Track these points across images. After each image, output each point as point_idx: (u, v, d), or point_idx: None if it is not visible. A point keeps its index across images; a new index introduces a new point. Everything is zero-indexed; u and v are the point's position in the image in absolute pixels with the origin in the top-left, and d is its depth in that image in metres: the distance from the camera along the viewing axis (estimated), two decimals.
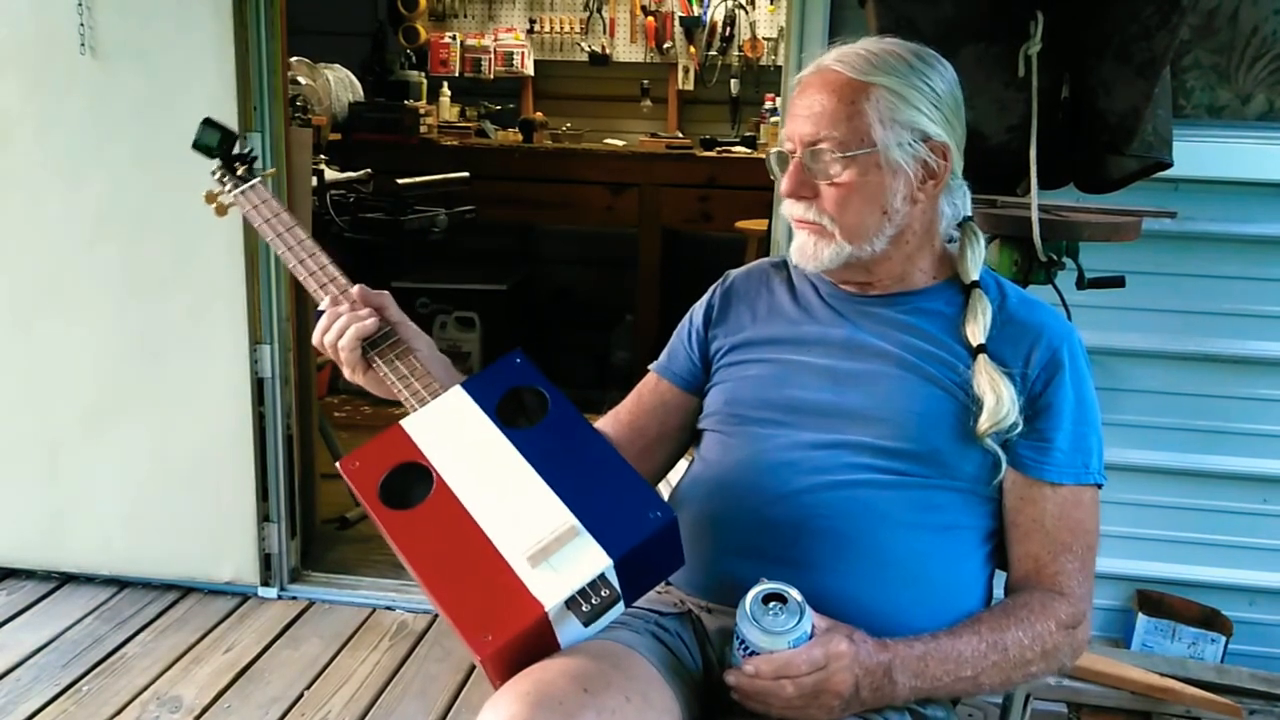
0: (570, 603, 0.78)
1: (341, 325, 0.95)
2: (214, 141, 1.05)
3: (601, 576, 0.78)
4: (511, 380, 0.89)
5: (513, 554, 0.79)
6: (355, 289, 0.98)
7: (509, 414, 0.88)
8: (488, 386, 0.89)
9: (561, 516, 0.81)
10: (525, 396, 0.90)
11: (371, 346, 0.95)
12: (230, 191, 1.05)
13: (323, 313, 0.97)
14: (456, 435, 0.87)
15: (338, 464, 0.87)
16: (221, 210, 1.07)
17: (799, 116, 0.94)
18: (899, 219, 0.94)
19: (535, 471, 0.84)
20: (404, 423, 0.88)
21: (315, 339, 0.97)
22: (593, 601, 0.78)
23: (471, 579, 0.79)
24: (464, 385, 0.90)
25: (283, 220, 1.03)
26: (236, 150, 1.07)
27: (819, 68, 0.95)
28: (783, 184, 0.95)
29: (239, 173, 1.06)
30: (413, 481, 0.85)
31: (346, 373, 0.96)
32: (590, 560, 0.78)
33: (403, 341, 0.96)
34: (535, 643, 0.79)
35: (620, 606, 0.81)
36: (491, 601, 0.77)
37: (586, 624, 0.79)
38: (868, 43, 0.95)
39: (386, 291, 1.00)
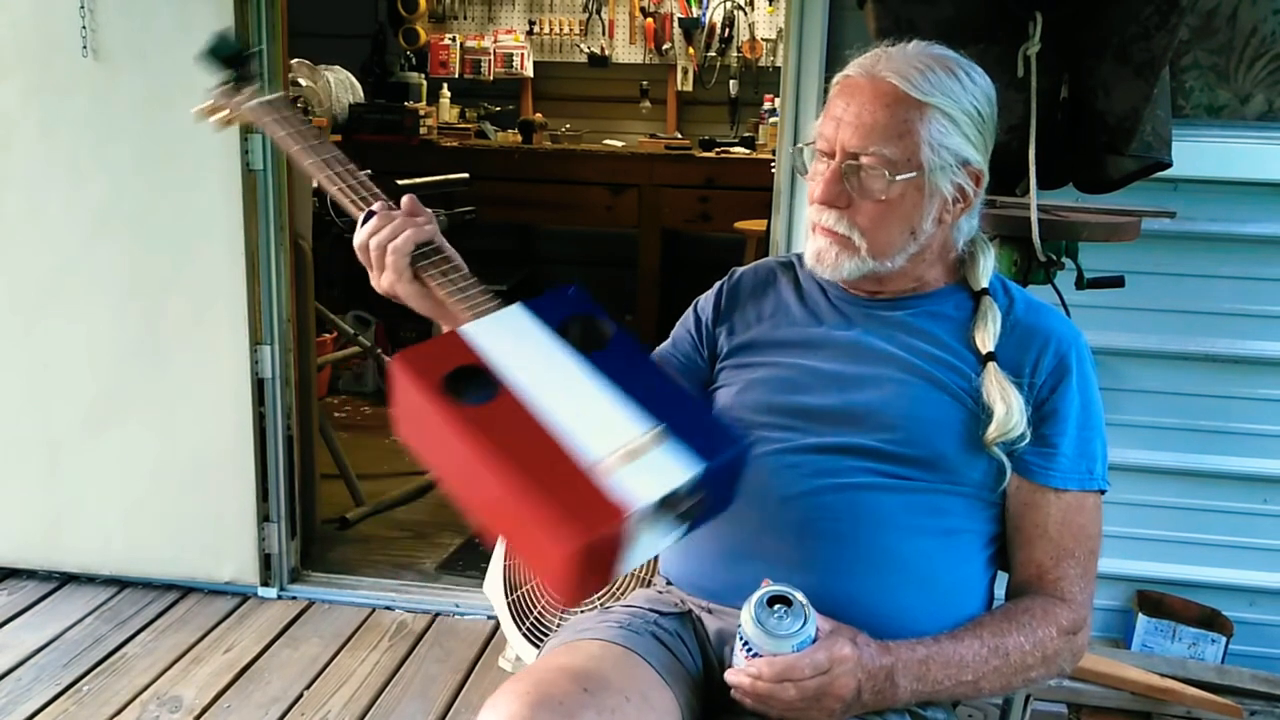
0: (662, 504, 0.71)
1: (397, 226, 0.89)
2: (228, 51, 1.01)
3: (694, 480, 0.73)
4: (570, 308, 0.84)
5: (594, 456, 0.72)
6: (405, 199, 0.92)
7: (570, 338, 0.82)
8: (547, 309, 0.83)
9: (645, 424, 0.75)
10: (584, 325, 0.84)
11: (421, 258, 0.89)
12: (249, 102, 0.99)
13: (372, 214, 0.90)
14: (521, 346, 0.80)
15: (390, 359, 0.78)
16: (226, 121, 1.02)
17: (845, 123, 0.90)
18: (923, 239, 0.94)
19: (610, 385, 0.78)
20: (461, 330, 0.81)
21: (359, 239, 0.90)
22: (685, 505, 0.72)
23: (549, 478, 0.71)
24: (523, 304, 0.84)
25: (312, 131, 0.98)
26: (242, 72, 1.02)
27: (872, 75, 0.90)
28: (816, 190, 0.93)
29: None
30: (472, 386, 0.76)
31: (386, 280, 0.90)
32: (680, 465, 0.73)
33: (451, 259, 0.91)
34: (613, 552, 0.72)
35: (683, 529, 0.76)
36: (574, 499, 0.70)
37: (678, 525, 0.74)
38: (918, 51, 0.92)
39: (430, 211, 0.95)
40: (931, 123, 0.89)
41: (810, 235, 0.96)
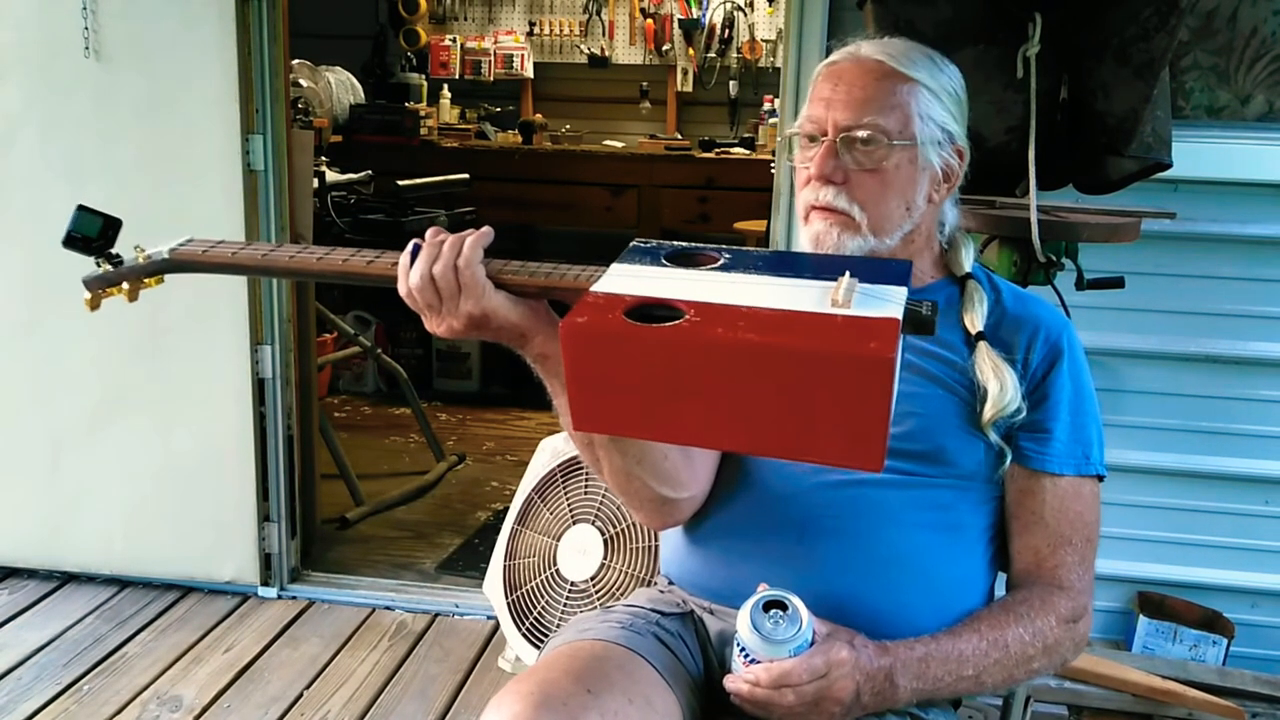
0: (909, 314, 0.68)
1: (455, 241, 0.79)
2: (94, 230, 0.88)
3: (914, 299, 0.70)
4: (661, 251, 0.78)
5: (819, 308, 0.67)
6: (429, 231, 0.83)
7: (689, 265, 0.76)
8: (645, 255, 0.77)
9: (829, 281, 0.70)
10: (692, 255, 0.78)
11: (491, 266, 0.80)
12: (157, 257, 0.89)
13: (418, 248, 0.80)
14: (660, 279, 0.73)
15: (562, 324, 0.68)
16: (132, 294, 0.90)
17: (836, 102, 0.91)
18: (916, 216, 0.94)
19: (765, 274, 0.73)
20: (595, 288, 0.72)
21: (418, 277, 0.79)
22: (922, 313, 0.69)
23: (804, 332, 0.65)
24: (619, 260, 0.77)
25: (261, 245, 0.90)
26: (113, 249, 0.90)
27: (855, 57, 0.93)
28: (812, 167, 0.92)
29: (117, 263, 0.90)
30: (653, 317, 0.69)
31: (468, 304, 0.79)
32: (891, 292, 0.69)
33: (504, 260, 0.81)
34: (895, 371, 0.67)
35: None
36: (842, 334, 0.65)
37: (931, 330, 0.70)
38: (894, 39, 0.95)
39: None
40: (919, 95, 0.91)
41: (805, 222, 0.95)
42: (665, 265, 0.75)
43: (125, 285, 0.91)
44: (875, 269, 0.73)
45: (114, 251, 0.91)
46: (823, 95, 0.93)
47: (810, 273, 0.73)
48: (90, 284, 0.91)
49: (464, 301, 0.79)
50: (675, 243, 0.79)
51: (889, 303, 0.68)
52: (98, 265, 0.90)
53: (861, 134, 0.90)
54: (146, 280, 0.93)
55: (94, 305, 0.91)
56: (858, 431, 0.65)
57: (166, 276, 0.96)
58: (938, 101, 0.92)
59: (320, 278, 0.87)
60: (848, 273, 0.70)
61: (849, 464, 0.67)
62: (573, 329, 0.67)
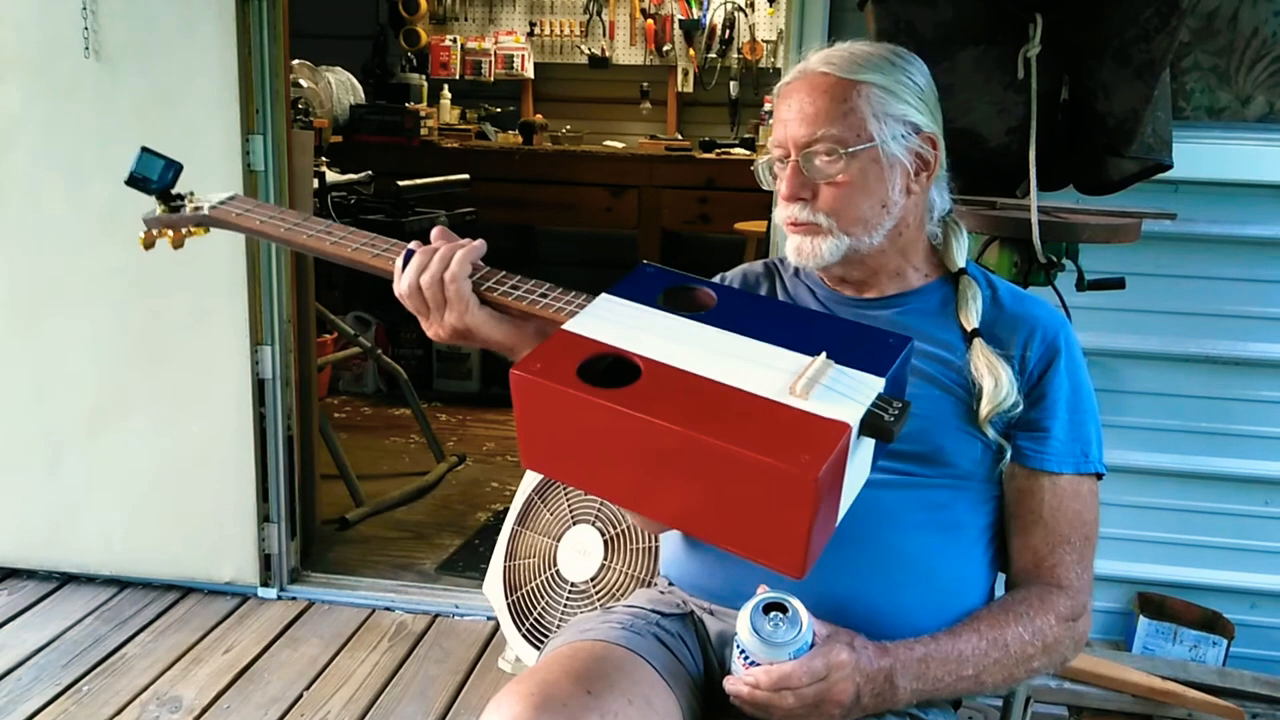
0: (869, 418, 0.66)
1: (444, 254, 0.81)
2: (155, 173, 0.92)
3: (884, 391, 0.69)
4: (661, 283, 0.78)
5: (776, 395, 0.67)
6: (436, 230, 0.85)
7: (677, 308, 0.77)
8: (637, 290, 0.77)
9: (804, 355, 0.70)
10: (683, 294, 0.79)
11: (480, 280, 0.82)
12: (203, 209, 0.93)
13: (411, 254, 0.82)
14: (636, 326, 0.73)
15: (512, 370, 0.70)
16: (177, 241, 0.94)
17: (790, 121, 0.93)
18: (896, 211, 0.95)
19: (746, 335, 0.73)
20: (567, 326, 0.74)
21: (407, 283, 0.82)
22: (888, 417, 0.67)
23: (746, 425, 0.64)
24: (610, 291, 0.77)
25: (290, 214, 0.91)
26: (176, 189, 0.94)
27: (803, 73, 0.95)
28: (782, 188, 0.94)
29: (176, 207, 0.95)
30: (609, 373, 0.70)
31: (451, 316, 0.81)
32: (862, 385, 0.68)
33: (500, 271, 0.83)
34: (837, 480, 0.66)
35: (878, 456, 0.72)
36: (784, 436, 0.64)
37: (890, 438, 0.68)
38: (845, 44, 0.96)
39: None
40: (870, 96, 0.92)
41: (788, 236, 0.97)
42: (654, 306, 0.76)
43: (170, 231, 0.96)
44: (866, 346, 0.72)
45: (175, 193, 0.95)
46: (781, 117, 0.95)
47: (792, 340, 0.72)
48: (150, 223, 0.96)
49: (448, 314, 0.82)
50: (680, 273, 0.80)
51: (852, 401, 0.66)
52: (157, 206, 0.95)
53: (818, 148, 0.91)
54: (193, 229, 0.97)
55: (148, 243, 0.96)
56: (779, 537, 0.65)
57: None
58: (894, 97, 0.92)
59: (331, 260, 0.90)
60: (824, 354, 0.70)
61: (772, 566, 0.66)
62: (519, 379, 0.69)
